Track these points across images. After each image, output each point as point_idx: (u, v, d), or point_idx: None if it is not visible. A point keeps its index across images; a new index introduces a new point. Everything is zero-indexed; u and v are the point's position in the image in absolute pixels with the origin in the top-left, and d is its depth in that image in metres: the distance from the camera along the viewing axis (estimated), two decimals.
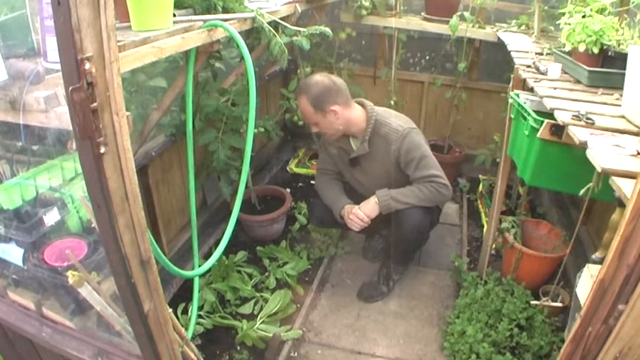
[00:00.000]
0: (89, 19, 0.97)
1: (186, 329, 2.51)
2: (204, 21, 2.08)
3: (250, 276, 3.04)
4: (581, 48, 2.21)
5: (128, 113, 1.14)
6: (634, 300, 1.02)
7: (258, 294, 2.92)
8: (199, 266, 2.55)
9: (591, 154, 1.48)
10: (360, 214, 2.73)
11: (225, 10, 2.28)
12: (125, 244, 1.23)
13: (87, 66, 0.99)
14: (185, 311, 2.69)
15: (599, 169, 1.40)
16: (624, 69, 1.81)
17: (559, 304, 2.51)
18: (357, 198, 2.89)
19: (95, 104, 1.03)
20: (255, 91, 2.21)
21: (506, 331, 2.59)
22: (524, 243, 3.00)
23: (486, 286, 2.89)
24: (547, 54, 2.84)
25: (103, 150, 1.07)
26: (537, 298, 2.64)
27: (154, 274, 1.41)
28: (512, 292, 2.85)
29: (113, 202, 1.15)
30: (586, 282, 1.34)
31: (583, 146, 1.56)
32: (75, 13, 0.95)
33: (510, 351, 2.54)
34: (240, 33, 2.19)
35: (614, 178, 1.34)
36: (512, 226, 3.02)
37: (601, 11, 2.25)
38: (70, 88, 1.00)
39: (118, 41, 1.16)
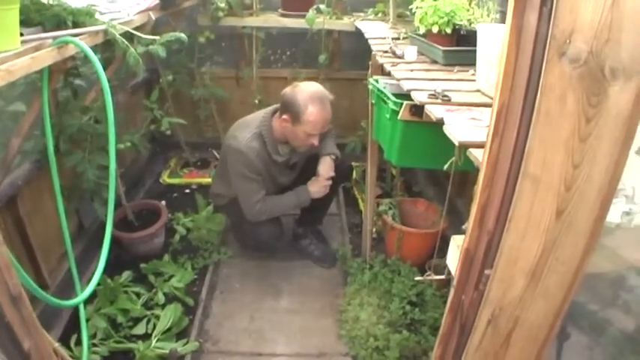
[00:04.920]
0: None
1: None
2: (55, 38, 1.98)
3: (138, 295, 2.92)
4: (435, 29, 2.30)
5: None
6: (496, 264, 1.07)
7: (148, 312, 2.80)
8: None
9: (448, 130, 1.54)
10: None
11: (76, 25, 2.18)
12: None
13: None
14: (79, 342, 2.55)
15: (456, 143, 1.46)
16: (476, 46, 1.91)
17: (442, 277, 2.60)
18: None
19: None
20: (113, 105, 2.15)
21: (399, 310, 2.66)
22: (405, 222, 3.08)
23: (372, 269, 2.96)
24: (404, 38, 2.93)
25: None
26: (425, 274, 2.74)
27: (28, 309, 1.32)
28: (399, 272, 2.93)
29: None
30: (453, 252, 1.39)
31: (440, 123, 1.62)
32: None
33: (407, 328, 2.61)
34: (95, 46, 2.11)
35: (471, 150, 1.40)
36: (390, 208, 3.10)
37: None
38: None
39: None
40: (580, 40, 0.85)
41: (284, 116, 2.72)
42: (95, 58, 2.07)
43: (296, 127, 2.70)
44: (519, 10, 0.94)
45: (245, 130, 2.83)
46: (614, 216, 1.21)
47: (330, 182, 2.94)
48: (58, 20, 2.11)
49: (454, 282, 1.25)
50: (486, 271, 1.11)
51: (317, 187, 2.93)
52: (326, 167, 2.94)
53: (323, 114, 2.69)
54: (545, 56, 0.89)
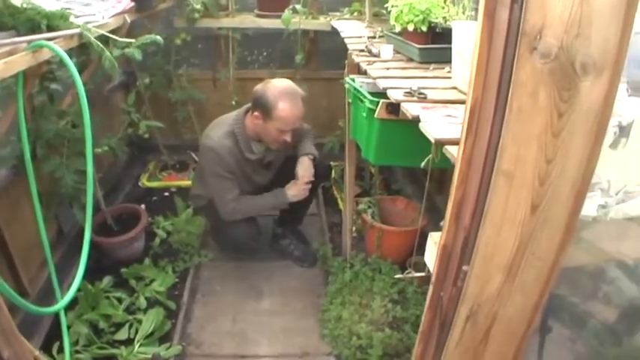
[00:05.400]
0: None
1: None
2: (29, 42, 1.96)
3: (120, 300, 2.89)
4: (411, 27, 2.30)
5: None
6: (473, 259, 1.07)
7: (131, 317, 2.78)
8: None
9: (424, 127, 1.53)
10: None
11: (51, 29, 2.14)
12: None
13: None
14: (61, 349, 2.52)
15: (432, 140, 1.46)
16: (452, 43, 1.91)
17: (422, 274, 2.61)
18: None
19: None
20: (90, 109, 2.13)
21: (381, 308, 2.65)
22: (384, 221, 3.09)
23: (353, 268, 2.96)
24: (380, 37, 2.93)
25: None
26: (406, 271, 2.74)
27: (7, 318, 1.31)
28: (379, 270, 2.93)
29: None
30: (431, 249, 1.39)
31: (416, 120, 1.62)
32: None
33: (389, 326, 2.61)
34: (70, 50, 2.09)
35: (447, 146, 1.40)
36: (369, 207, 3.10)
37: None
38: None
39: None
40: (550, 36, 0.86)
41: (255, 113, 2.72)
42: (70, 62, 2.04)
43: (267, 123, 2.70)
44: (491, 6, 0.94)
45: (219, 129, 2.83)
46: (590, 209, 1.22)
47: (309, 186, 2.93)
48: (32, 24, 2.07)
49: (432, 279, 1.25)
50: (464, 267, 1.11)
51: (295, 190, 2.91)
52: (305, 169, 2.93)
53: (294, 110, 2.69)
54: (517, 52, 0.89)
